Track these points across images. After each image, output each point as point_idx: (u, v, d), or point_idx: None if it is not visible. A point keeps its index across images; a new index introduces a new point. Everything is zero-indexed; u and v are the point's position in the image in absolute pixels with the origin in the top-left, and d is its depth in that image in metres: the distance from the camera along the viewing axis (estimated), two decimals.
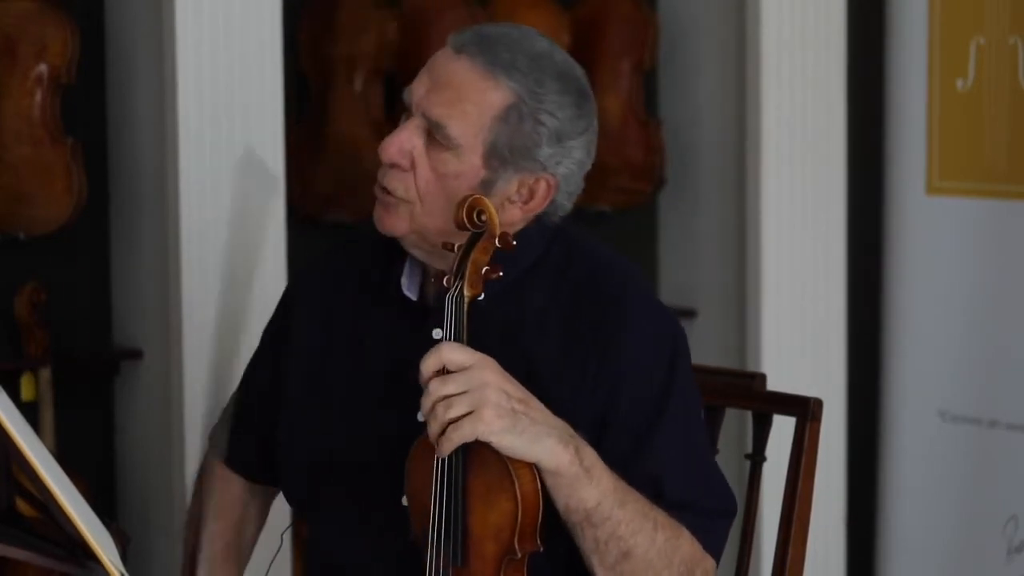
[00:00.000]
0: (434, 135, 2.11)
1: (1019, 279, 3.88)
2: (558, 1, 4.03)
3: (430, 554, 2.04)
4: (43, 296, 3.52)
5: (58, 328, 3.57)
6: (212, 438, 2.50)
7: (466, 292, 2.00)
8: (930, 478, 4.06)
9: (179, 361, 3.43)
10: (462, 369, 1.96)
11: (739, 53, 4.08)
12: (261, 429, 2.35)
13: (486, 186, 2.12)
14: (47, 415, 3.48)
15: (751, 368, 4.00)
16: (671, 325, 2.18)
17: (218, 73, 3.42)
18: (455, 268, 2.00)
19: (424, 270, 2.19)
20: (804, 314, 4.08)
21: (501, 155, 2.11)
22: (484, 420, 1.95)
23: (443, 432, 1.96)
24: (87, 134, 3.57)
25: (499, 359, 2.01)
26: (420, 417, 2.04)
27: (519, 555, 2.02)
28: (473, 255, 2.00)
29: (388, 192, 2.15)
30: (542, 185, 2.15)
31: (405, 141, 2.13)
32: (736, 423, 3.48)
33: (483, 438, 1.96)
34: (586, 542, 2.05)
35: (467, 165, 2.11)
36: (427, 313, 2.13)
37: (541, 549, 2.03)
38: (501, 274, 2.01)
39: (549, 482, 2.01)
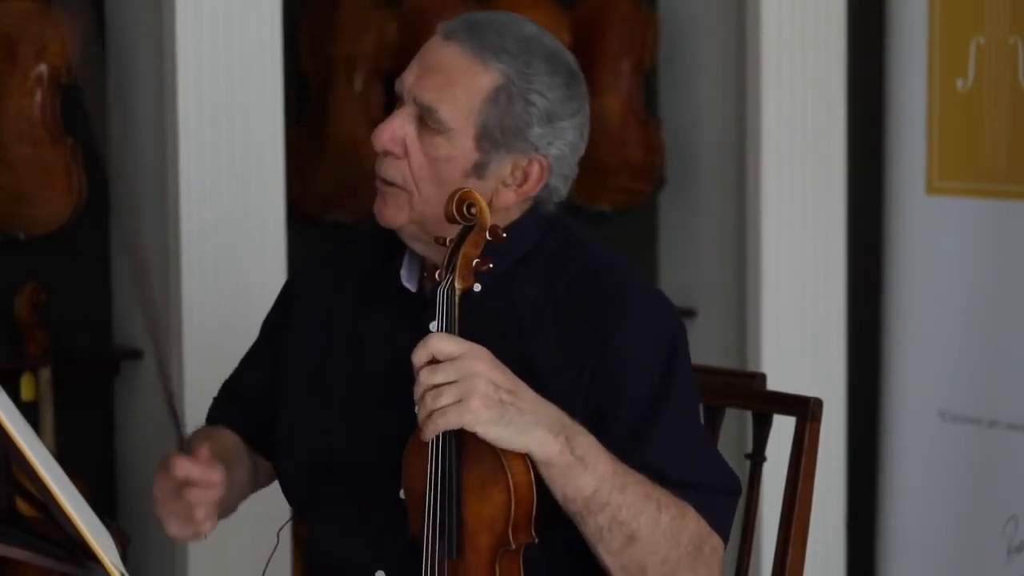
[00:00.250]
0: (426, 121, 2.12)
1: (1019, 279, 3.88)
2: (558, 1, 4.03)
3: (425, 548, 2.04)
4: (43, 296, 3.52)
5: (58, 328, 3.57)
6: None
7: (457, 285, 2.00)
8: (930, 478, 4.06)
9: (179, 361, 3.43)
10: (452, 359, 1.96)
11: (739, 53, 4.08)
12: (251, 406, 2.35)
13: (479, 169, 2.13)
14: (47, 415, 3.48)
15: (751, 368, 4.00)
16: (670, 323, 2.17)
17: (218, 73, 3.42)
18: (446, 261, 2.01)
19: (423, 263, 2.20)
20: (804, 314, 4.08)
21: (492, 137, 2.12)
22: (471, 410, 1.96)
23: (429, 417, 1.97)
24: (87, 134, 3.57)
25: (494, 350, 2.01)
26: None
27: (514, 546, 2.02)
28: (464, 248, 2.01)
29: (386, 182, 2.16)
30: (535, 167, 2.16)
31: (397, 128, 2.14)
32: (736, 423, 3.48)
33: (469, 427, 1.97)
34: (589, 530, 2.05)
35: (459, 148, 2.12)
36: (426, 305, 2.14)
37: (536, 541, 2.03)
38: (492, 266, 2.02)
39: (543, 472, 2.02)
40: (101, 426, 3.72)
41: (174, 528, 2.12)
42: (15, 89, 3.44)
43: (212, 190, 3.42)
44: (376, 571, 2.15)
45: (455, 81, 2.11)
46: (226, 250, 3.45)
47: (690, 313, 4.21)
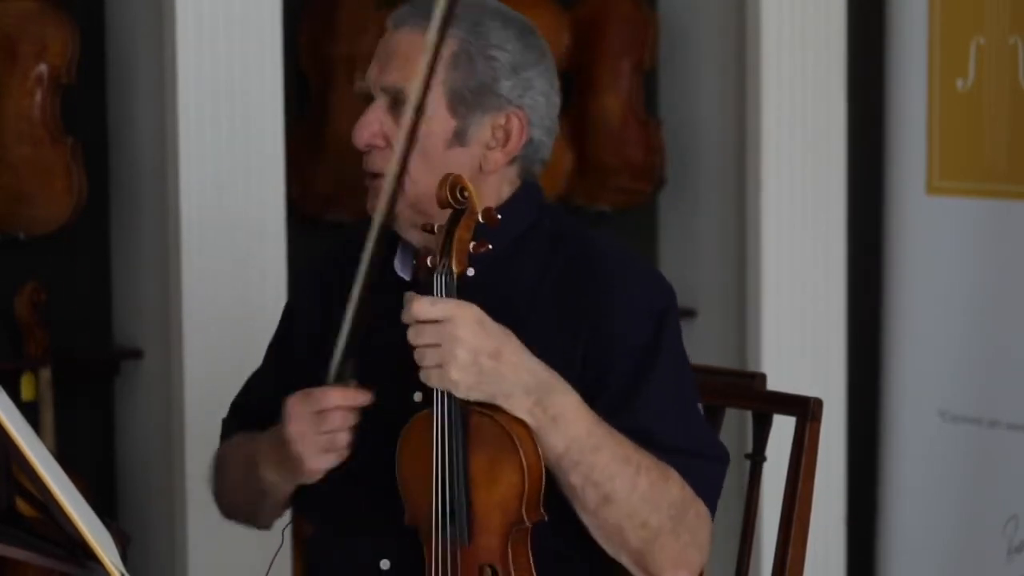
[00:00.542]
0: (398, 105, 2.16)
1: (1019, 279, 3.88)
2: (558, 1, 4.03)
3: (434, 537, 2.05)
4: (43, 296, 3.52)
5: (58, 328, 3.57)
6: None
7: (455, 268, 2.03)
8: (930, 478, 4.06)
9: (179, 361, 3.44)
10: (435, 322, 2.00)
11: (739, 53, 4.08)
12: (263, 417, 2.36)
13: (460, 136, 2.16)
14: (47, 415, 3.48)
15: (751, 368, 4.00)
16: (661, 290, 2.20)
17: (218, 73, 3.42)
18: (441, 246, 2.03)
19: (416, 252, 2.22)
20: (804, 314, 4.08)
21: (464, 99, 2.15)
22: (449, 377, 2.00)
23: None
24: (87, 134, 3.57)
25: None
26: (416, 397, 2.10)
27: (527, 524, 2.04)
28: (458, 232, 2.03)
29: (375, 175, 2.19)
30: (514, 122, 2.18)
31: (373, 121, 2.18)
32: (736, 423, 3.48)
33: (448, 391, 2.01)
34: (565, 488, 2.07)
35: (436, 121, 2.16)
36: (419, 292, 2.15)
37: (546, 518, 2.05)
38: (491, 246, 2.05)
39: None
40: (101, 426, 3.72)
41: (314, 462, 2.12)
42: (15, 89, 3.44)
43: (212, 190, 3.42)
44: (381, 560, 2.16)
45: (414, 59, 2.13)
46: (226, 250, 3.45)
47: (690, 313, 4.21)
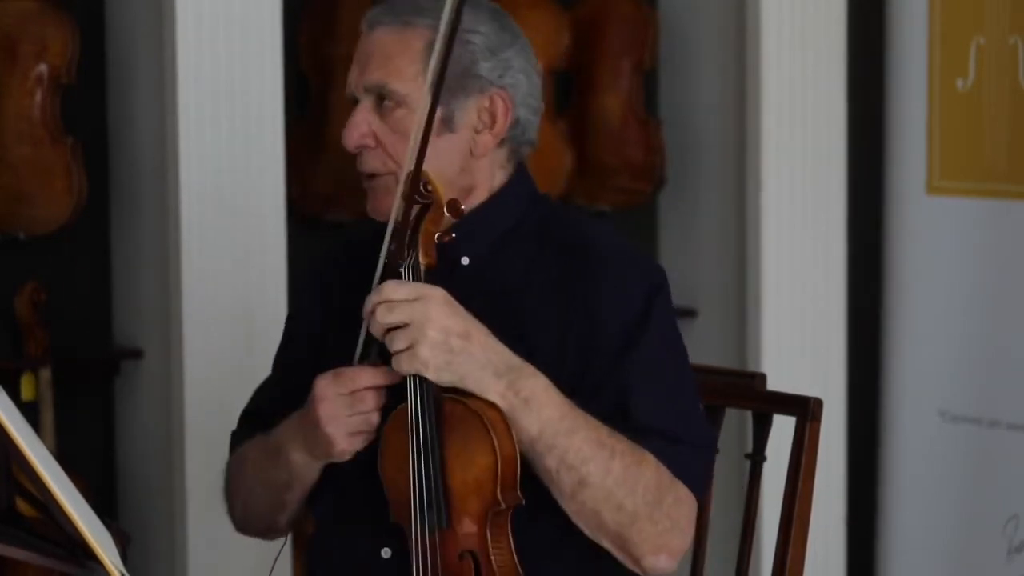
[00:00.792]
0: (383, 102, 2.19)
1: (1019, 279, 3.88)
2: (558, 1, 4.03)
3: (414, 526, 2.07)
4: (43, 296, 3.52)
5: (58, 328, 3.57)
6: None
7: (421, 260, 2.06)
8: (930, 478, 4.06)
9: (179, 361, 3.44)
10: (405, 302, 2.02)
11: (739, 53, 4.08)
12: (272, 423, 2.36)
13: (447, 122, 2.19)
14: (47, 415, 3.48)
15: (751, 368, 4.00)
16: (652, 269, 2.22)
17: (218, 73, 3.42)
18: (407, 240, 2.06)
19: None
20: (804, 314, 4.08)
21: (447, 85, 2.16)
22: (419, 358, 2.02)
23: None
24: (87, 134, 3.57)
25: (487, 321, 2.06)
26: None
27: (504, 506, 2.06)
28: (424, 226, 2.06)
29: (371, 175, 2.22)
30: (498, 103, 2.21)
31: (361, 123, 2.21)
32: (736, 423, 3.48)
33: (419, 373, 2.03)
34: (540, 472, 2.09)
35: (423, 111, 2.17)
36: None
37: (523, 501, 2.07)
38: (454, 235, 2.07)
39: None
40: (101, 426, 3.72)
41: (344, 442, 2.12)
42: (15, 89, 3.44)
43: (212, 190, 3.42)
44: (382, 549, 2.16)
45: (392, 55, 2.18)
46: (226, 250, 3.45)
47: (690, 313, 4.21)
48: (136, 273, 3.63)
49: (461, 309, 2.05)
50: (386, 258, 2.10)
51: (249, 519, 2.37)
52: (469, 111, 2.20)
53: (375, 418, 2.11)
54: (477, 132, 2.21)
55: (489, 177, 2.23)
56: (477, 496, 2.06)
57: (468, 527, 2.07)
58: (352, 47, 2.22)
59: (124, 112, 3.64)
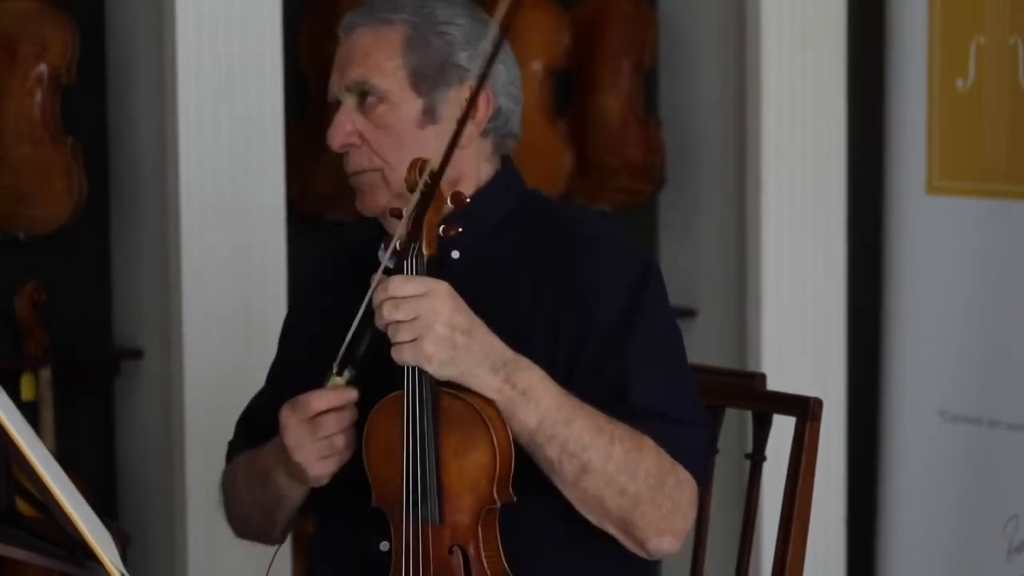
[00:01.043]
0: (365, 99, 2.23)
1: (1019, 279, 3.88)
2: (558, 1, 4.03)
3: (404, 518, 2.07)
4: (43, 296, 3.52)
5: (58, 328, 3.57)
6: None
7: (425, 251, 2.06)
8: (930, 478, 4.06)
9: (179, 361, 3.44)
10: (412, 298, 2.02)
11: (739, 53, 4.08)
12: (268, 431, 2.36)
13: (430, 114, 2.21)
14: (47, 415, 3.48)
15: (751, 368, 4.00)
16: (640, 253, 2.23)
17: (218, 73, 3.42)
18: (410, 230, 2.05)
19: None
20: (804, 314, 4.08)
21: (426, 76, 2.21)
22: (424, 352, 2.02)
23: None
24: (87, 134, 3.57)
25: (482, 311, 2.07)
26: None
27: (498, 504, 2.06)
28: (428, 215, 2.06)
29: (358, 173, 2.24)
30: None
31: (345, 123, 2.25)
32: (736, 423, 3.48)
33: (420, 366, 2.03)
34: (542, 463, 2.09)
35: (403, 104, 2.21)
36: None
37: (514, 499, 2.07)
38: (460, 230, 2.07)
39: None
40: (101, 426, 3.72)
41: (316, 468, 2.13)
42: (15, 89, 3.44)
43: (212, 190, 3.42)
44: (380, 542, 2.17)
45: (370, 52, 2.23)
46: (226, 250, 3.45)
47: (690, 313, 4.21)
48: (136, 273, 3.63)
49: (464, 304, 2.06)
50: (394, 250, 2.10)
51: (246, 531, 2.40)
52: (450, 101, 2.21)
53: (340, 441, 2.12)
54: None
55: (475, 170, 2.25)
56: (472, 493, 2.06)
57: (460, 522, 2.07)
58: None
59: (124, 112, 3.64)
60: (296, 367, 2.31)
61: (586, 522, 2.15)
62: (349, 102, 2.24)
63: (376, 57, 2.21)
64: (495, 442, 2.05)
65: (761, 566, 3.68)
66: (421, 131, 2.21)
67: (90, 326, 3.69)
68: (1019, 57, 3.88)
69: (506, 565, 2.09)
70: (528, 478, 2.10)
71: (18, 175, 3.45)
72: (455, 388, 2.06)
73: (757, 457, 2.42)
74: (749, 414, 2.47)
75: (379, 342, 2.09)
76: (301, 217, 3.75)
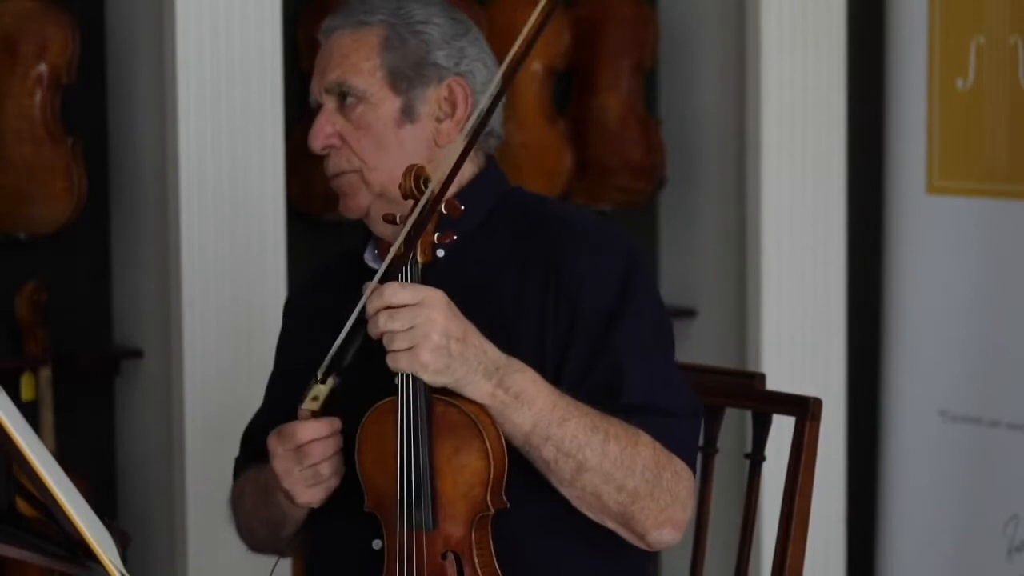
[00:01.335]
0: (344, 100, 2.24)
1: (1019, 279, 3.88)
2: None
3: (398, 524, 2.07)
4: (43, 296, 3.52)
5: (58, 328, 3.57)
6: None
7: (420, 259, 2.07)
8: (930, 478, 4.06)
9: (179, 361, 3.44)
10: (409, 306, 2.02)
11: (739, 53, 4.08)
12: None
13: (408, 112, 2.23)
14: (47, 415, 3.48)
15: (751, 368, 4.00)
16: (627, 243, 2.24)
17: (218, 73, 3.42)
18: (406, 237, 2.05)
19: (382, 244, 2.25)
20: (804, 314, 4.08)
21: (403, 75, 2.22)
22: (420, 360, 2.02)
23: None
24: (87, 134, 3.57)
25: (469, 310, 2.07)
26: (397, 381, 2.11)
27: (491, 510, 2.06)
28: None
29: (339, 175, 2.25)
30: (458, 91, 2.25)
31: (325, 124, 2.25)
32: (736, 423, 3.48)
33: (416, 374, 2.03)
34: (538, 464, 2.10)
35: (382, 104, 2.23)
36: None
37: (507, 505, 2.08)
38: (455, 237, 2.08)
39: None
40: (101, 426, 3.72)
41: (305, 495, 2.14)
42: (15, 89, 3.44)
43: (212, 190, 3.42)
44: (373, 540, 2.17)
45: (348, 54, 2.24)
46: (226, 250, 3.45)
47: (690, 313, 4.21)
48: (136, 273, 3.63)
49: (457, 310, 2.06)
50: (391, 260, 2.10)
51: (256, 546, 2.42)
52: (428, 101, 2.23)
53: (326, 469, 2.12)
54: (439, 121, 2.24)
55: (460, 177, 2.21)
56: (466, 500, 2.06)
57: (454, 529, 2.07)
58: None
59: (124, 112, 3.64)
60: (292, 379, 2.31)
61: (579, 528, 2.15)
62: (329, 104, 2.26)
63: (354, 58, 2.23)
64: (489, 449, 2.05)
65: (761, 566, 3.68)
66: (400, 130, 2.22)
67: (90, 326, 3.69)
68: (1019, 57, 3.88)
69: (499, 571, 2.09)
70: (521, 484, 2.10)
71: (18, 175, 3.45)
72: (448, 395, 2.06)
73: (757, 457, 2.42)
74: (749, 414, 2.47)
75: (369, 349, 2.09)
76: (301, 217, 3.75)
